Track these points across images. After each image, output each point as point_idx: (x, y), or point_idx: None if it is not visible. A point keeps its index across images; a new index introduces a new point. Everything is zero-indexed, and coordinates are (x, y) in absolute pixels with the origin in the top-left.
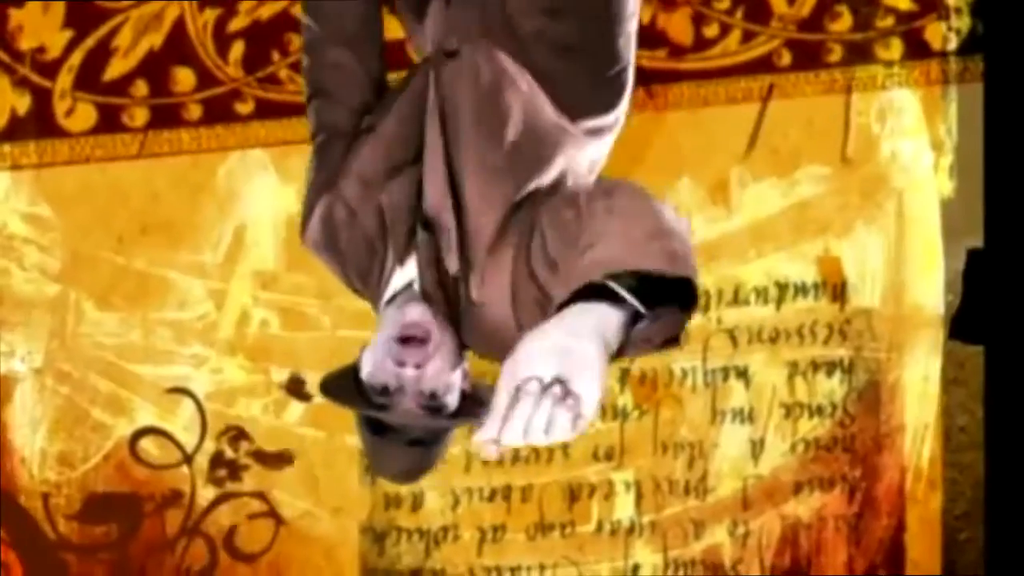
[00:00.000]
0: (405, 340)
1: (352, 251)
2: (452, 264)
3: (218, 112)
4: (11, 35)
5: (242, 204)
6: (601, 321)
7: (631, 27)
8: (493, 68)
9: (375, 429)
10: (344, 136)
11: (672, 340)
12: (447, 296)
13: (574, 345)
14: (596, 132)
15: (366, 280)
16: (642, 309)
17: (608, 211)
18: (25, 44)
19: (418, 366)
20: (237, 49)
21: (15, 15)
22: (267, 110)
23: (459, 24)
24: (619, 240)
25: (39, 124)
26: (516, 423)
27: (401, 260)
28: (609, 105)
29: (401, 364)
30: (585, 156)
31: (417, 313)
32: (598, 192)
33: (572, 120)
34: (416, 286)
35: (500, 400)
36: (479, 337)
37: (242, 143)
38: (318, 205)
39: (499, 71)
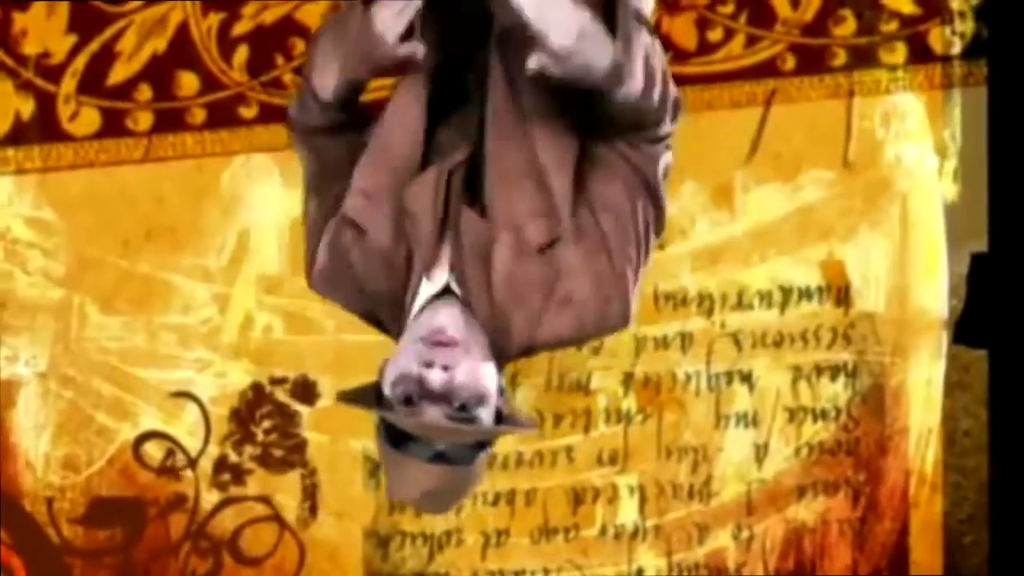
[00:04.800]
0: (433, 341)
1: (367, 274)
2: (539, 234)
3: (222, 116)
4: (15, 39)
5: (246, 208)
6: None
7: None
8: None
9: (395, 440)
10: (341, 166)
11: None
12: (490, 293)
13: None
14: None
15: (385, 304)
16: None
17: None
18: (29, 48)
19: (446, 368)
20: (241, 53)
21: (19, 19)
22: (271, 114)
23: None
24: None
25: (43, 128)
26: None
27: (429, 268)
28: None
29: (428, 365)
30: None
31: (447, 315)
32: None
33: None
34: (453, 288)
35: None
36: (564, 307)
37: (246, 147)
38: (324, 236)
39: None
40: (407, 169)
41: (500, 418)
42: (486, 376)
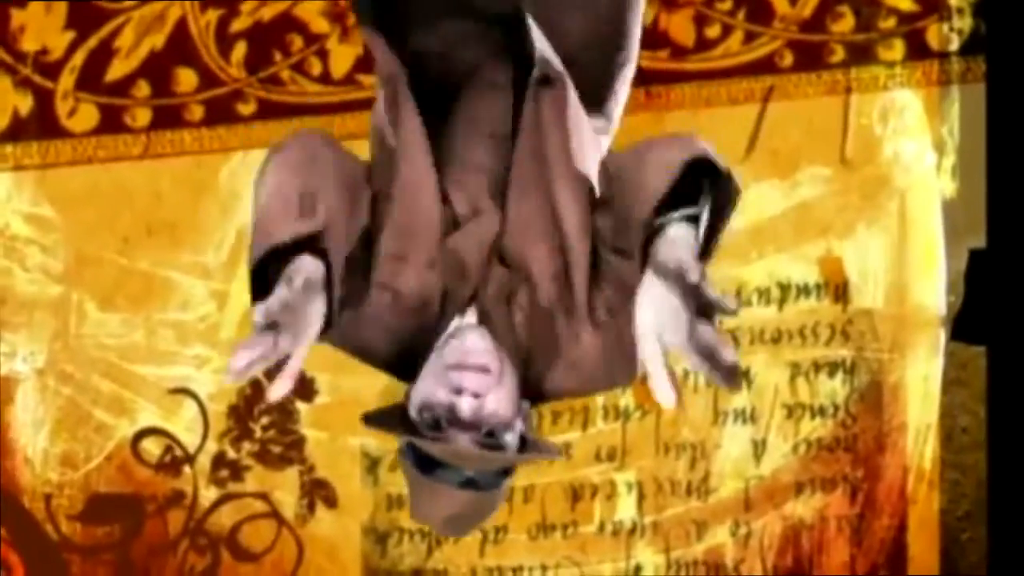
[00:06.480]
0: (464, 367)
1: (399, 325)
2: (551, 300)
3: (220, 113)
4: (13, 36)
5: (244, 205)
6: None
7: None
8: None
9: (424, 467)
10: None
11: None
12: (515, 339)
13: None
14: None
15: (406, 345)
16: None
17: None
18: (27, 45)
19: (476, 395)
20: (239, 50)
21: (17, 16)
22: (269, 111)
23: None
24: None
25: (41, 125)
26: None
27: (462, 312)
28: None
29: (458, 392)
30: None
31: (478, 339)
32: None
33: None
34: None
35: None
36: (572, 369)
37: (244, 144)
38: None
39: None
40: (431, 228)
41: (524, 443)
42: (513, 402)
